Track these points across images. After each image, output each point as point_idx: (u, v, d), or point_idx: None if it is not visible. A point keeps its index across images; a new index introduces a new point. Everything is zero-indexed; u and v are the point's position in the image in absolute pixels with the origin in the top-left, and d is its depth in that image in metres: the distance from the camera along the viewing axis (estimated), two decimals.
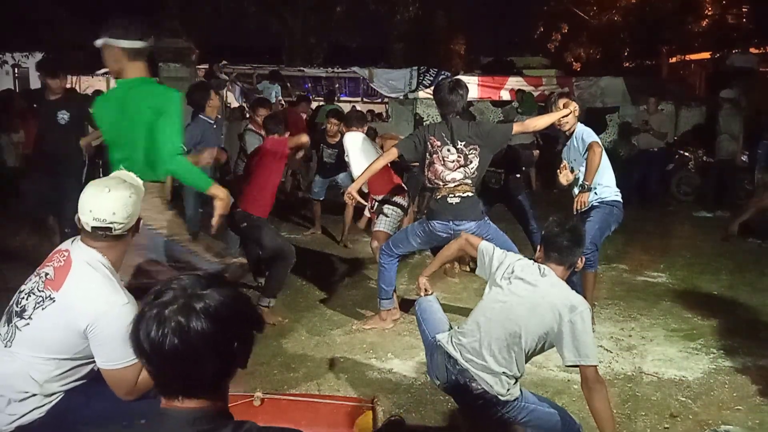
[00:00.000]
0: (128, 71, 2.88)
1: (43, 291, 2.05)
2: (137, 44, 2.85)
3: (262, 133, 6.15)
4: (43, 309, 2.02)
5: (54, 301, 2.02)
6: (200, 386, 1.24)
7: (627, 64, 20.89)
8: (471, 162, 4.00)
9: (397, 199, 4.92)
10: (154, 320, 1.20)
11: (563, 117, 4.35)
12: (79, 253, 2.09)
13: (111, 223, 2.07)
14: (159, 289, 1.25)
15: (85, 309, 1.99)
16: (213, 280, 1.28)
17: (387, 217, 4.87)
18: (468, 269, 5.56)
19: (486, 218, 4.14)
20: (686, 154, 10.10)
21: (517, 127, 4.17)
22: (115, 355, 1.99)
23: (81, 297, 2.02)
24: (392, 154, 4.18)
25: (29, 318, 2.03)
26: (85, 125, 5.45)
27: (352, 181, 4.60)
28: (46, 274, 2.09)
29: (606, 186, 4.38)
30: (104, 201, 2.07)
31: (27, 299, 2.06)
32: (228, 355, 1.24)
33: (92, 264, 2.07)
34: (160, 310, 1.20)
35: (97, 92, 10.37)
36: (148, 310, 1.22)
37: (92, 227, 2.08)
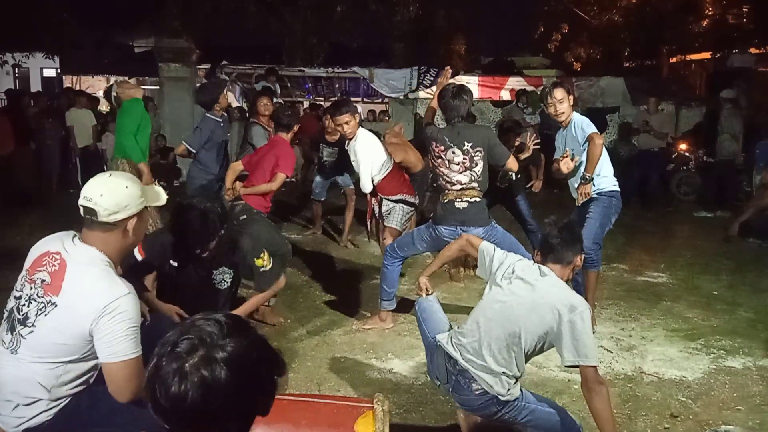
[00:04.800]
0: None
1: (43, 297, 2.02)
2: None
3: (266, 125, 6.13)
4: (45, 315, 2.00)
5: (56, 305, 1.99)
6: None
7: (627, 64, 20.90)
8: (476, 164, 4.00)
9: (409, 198, 4.92)
10: (174, 375, 1.10)
11: (558, 107, 4.32)
12: (74, 253, 2.05)
13: (96, 204, 2.01)
14: (173, 339, 1.14)
15: (87, 308, 1.96)
16: (232, 325, 1.18)
17: (399, 214, 4.85)
18: (473, 273, 5.53)
19: (493, 222, 4.12)
20: (686, 154, 10.10)
21: (511, 160, 4.15)
22: (120, 348, 1.95)
23: (82, 297, 1.99)
24: None
25: (32, 325, 2.00)
26: None
27: (353, 181, 4.55)
28: (42, 280, 2.04)
29: (604, 176, 4.36)
30: (99, 182, 2.06)
31: (28, 306, 2.03)
32: (251, 407, 1.17)
33: (88, 261, 2.03)
34: (180, 364, 1.10)
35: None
36: (166, 363, 1.11)
37: (82, 208, 2.05)
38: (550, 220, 2.70)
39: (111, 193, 2.04)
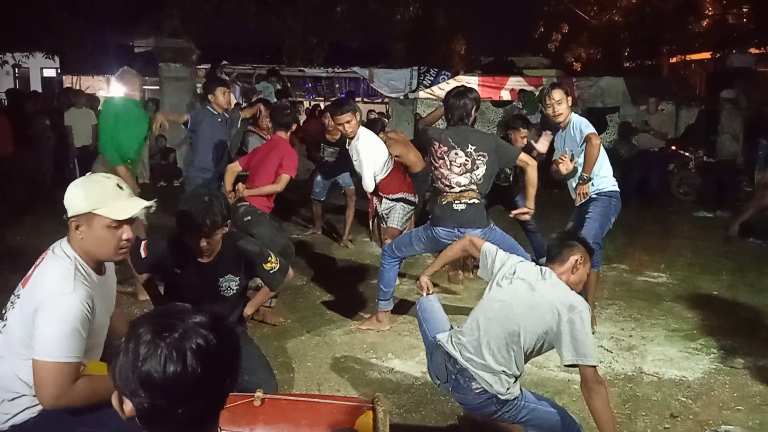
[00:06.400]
0: None
1: (18, 291, 2.04)
2: None
3: (263, 134, 6.16)
4: (12, 309, 2.01)
5: (19, 298, 2.01)
6: (211, 414, 1.20)
7: (627, 64, 20.89)
8: (478, 168, 3.99)
9: (409, 197, 4.92)
10: (169, 354, 1.11)
11: (556, 108, 4.32)
12: (56, 249, 2.06)
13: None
14: (145, 329, 1.15)
15: (33, 301, 1.94)
16: (189, 307, 1.22)
17: (399, 213, 4.85)
18: (472, 276, 5.52)
19: (491, 224, 4.11)
20: (686, 154, 10.10)
21: (523, 157, 4.12)
22: (52, 347, 1.87)
23: (33, 290, 1.98)
24: None
25: (5, 320, 2.02)
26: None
27: (354, 181, 4.55)
28: (26, 274, 2.07)
29: (603, 177, 4.37)
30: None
31: (9, 302, 2.06)
32: (237, 360, 1.21)
33: (60, 256, 2.03)
34: (170, 342, 1.12)
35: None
36: (151, 350, 1.12)
37: None
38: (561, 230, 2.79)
39: (68, 192, 2.05)
